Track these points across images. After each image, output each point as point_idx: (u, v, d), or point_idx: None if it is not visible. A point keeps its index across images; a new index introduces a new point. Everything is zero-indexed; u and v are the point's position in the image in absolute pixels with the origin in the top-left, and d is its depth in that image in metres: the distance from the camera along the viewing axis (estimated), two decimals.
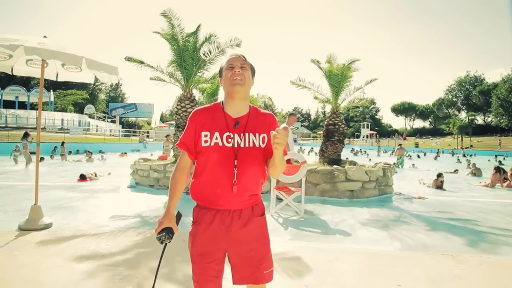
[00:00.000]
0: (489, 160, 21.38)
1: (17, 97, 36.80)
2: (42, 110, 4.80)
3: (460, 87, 70.38)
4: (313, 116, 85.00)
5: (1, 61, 4.33)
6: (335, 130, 8.58)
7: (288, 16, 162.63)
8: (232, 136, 1.50)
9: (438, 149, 30.92)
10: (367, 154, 25.36)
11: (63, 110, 41.10)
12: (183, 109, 8.27)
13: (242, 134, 1.51)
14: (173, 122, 10.55)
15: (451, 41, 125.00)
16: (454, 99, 71.44)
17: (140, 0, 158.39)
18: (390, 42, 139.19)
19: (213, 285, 1.52)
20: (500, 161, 18.55)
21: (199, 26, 8.12)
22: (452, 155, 27.36)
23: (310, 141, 54.99)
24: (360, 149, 29.87)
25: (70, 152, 16.86)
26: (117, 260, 3.13)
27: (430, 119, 78.04)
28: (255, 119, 1.57)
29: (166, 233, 1.51)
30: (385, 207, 6.05)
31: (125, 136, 38.43)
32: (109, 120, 47.42)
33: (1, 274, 2.80)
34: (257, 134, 1.54)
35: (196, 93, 10.31)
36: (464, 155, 26.62)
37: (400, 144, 18.46)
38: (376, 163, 8.20)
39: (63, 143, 15.90)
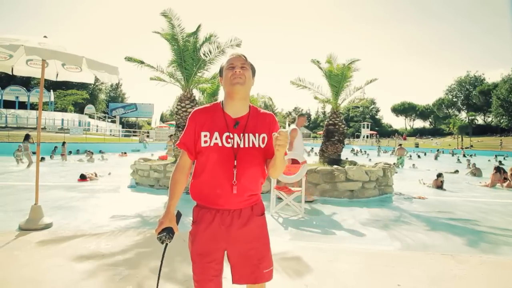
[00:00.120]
0: (489, 160, 21.37)
1: (17, 97, 36.82)
2: (42, 110, 4.80)
3: (460, 87, 70.38)
4: (313, 116, 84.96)
5: (1, 61, 4.34)
6: (335, 130, 8.58)
7: (288, 16, 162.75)
8: (231, 136, 1.50)
9: (438, 149, 30.89)
10: (368, 154, 25.36)
11: (63, 110, 41.12)
12: (183, 109, 8.28)
13: (241, 134, 1.52)
14: (173, 122, 10.56)
15: (451, 41, 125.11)
16: (454, 99, 71.43)
17: (140, 0, 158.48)
18: (390, 42, 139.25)
19: (214, 285, 1.52)
20: (500, 161, 18.55)
21: (199, 26, 8.12)
22: (452, 155, 27.37)
23: (310, 141, 54.98)
24: (360, 149, 29.86)
25: (70, 152, 16.87)
26: (117, 260, 3.13)
27: (430, 119, 78.03)
28: (255, 119, 1.57)
29: (167, 233, 1.51)
30: (385, 207, 6.06)
31: (125, 136, 38.45)
32: (109, 120, 47.44)
33: (1, 273, 2.80)
34: (256, 134, 1.54)
35: (196, 93, 10.32)
36: (464, 155, 26.61)
37: (400, 144, 18.47)
38: (376, 163, 8.20)
39: (64, 143, 15.91)
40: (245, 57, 1.58)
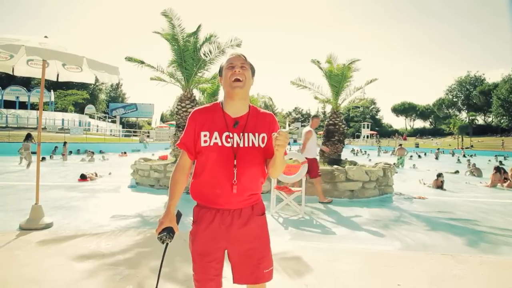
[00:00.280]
0: (489, 161, 21.35)
1: (17, 97, 36.85)
2: (43, 110, 4.81)
3: (461, 87, 70.34)
4: None
5: (2, 61, 4.34)
6: (335, 130, 8.58)
7: (288, 16, 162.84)
8: (231, 136, 1.51)
9: (438, 149, 30.87)
10: (368, 154, 25.35)
11: (64, 110, 41.15)
12: (184, 109, 8.29)
13: (241, 134, 1.52)
14: (174, 122, 10.57)
15: (451, 41, 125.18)
16: (455, 99, 71.39)
17: (140, 0, 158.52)
18: (390, 42, 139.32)
19: (214, 284, 1.53)
20: (500, 161, 18.54)
21: (199, 26, 8.13)
22: (452, 155, 27.34)
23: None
24: (360, 149, 29.84)
25: (70, 152, 16.89)
26: (118, 259, 3.14)
27: (430, 119, 77.99)
28: (255, 119, 1.57)
29: (167, 233, 1.51)
30: (385, 207, 6.06)
31: (126, 136, 38.46)
32: (110, 120, 47.44)
33: (2, 273, 2.81)
34: (256, 134, 1.54)
35: (197, 93, 10.33)
36: (464, 155, 26.59)
37: (400, 144, 18.47)
38: (376, 163, 8.20)
39: (65, 143, 15.94)
40: (244, 57, 1.59)
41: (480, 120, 64.36)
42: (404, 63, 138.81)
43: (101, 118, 47.47)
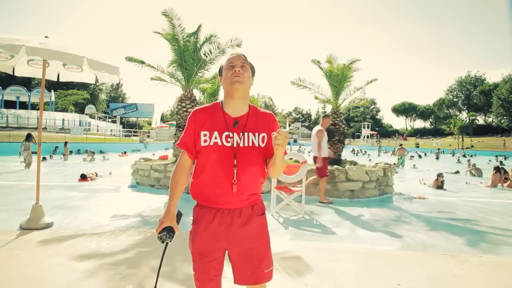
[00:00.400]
0: (490, 161, 21.34)
1: (18, 97, 36.87)
2: (43, 110, 4.81)
3: (461, 87, 70.34)
4: (313, 116, 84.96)
5: (2, 61, 4.34)
6: (336, 130, 8.59)
7: (288, 16, 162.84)
8: (231, 135, 1.50)
9: (439, 149, 30.86)
10: (369, 154, 25.34)
11: (64, 110, 41.17)
12: (184, 109, 8.29)
13: (241, 134, 1.52)
14: (174, 122, 10.56)
15: (451, 41, 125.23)
16: (455, 99, 71.39)
17: (140, 0, 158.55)
18: (390, 42, 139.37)
19: (214, 284, 1.53)
20: (501, 161, 18.54)
21: (199, 26, 8.14)
22: (453, 155, 27.32)
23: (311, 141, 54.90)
24: (360, 149, 29.82)
25: (71, 152, 16.90)
26: (118, 259, 3.14)
27: (430, 119, 77.98)
28: (255, 118, 1.57)
29: (167, 233, 1.51)
30: (386, 207, 6.06)
31: (126, 136, 38.48)
32: (110, 120, 47.47)
33: (2, 273, 2.81)
34: (256, 134, 1.54)
35: (197, 93, 10.33)
36: (464, 155, 26.58)
37: (401, 144, 18.48)
38: (376, 163, 8.20)
39: (66, 143, 15.98)
40: (245, 56, 1.59)
41: (480, 120, 64.40)
42: (404, 63, 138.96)
43: (102, 118, 47.50)
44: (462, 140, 47.91)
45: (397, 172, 9.83)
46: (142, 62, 8.35)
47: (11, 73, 4.63)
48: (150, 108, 50.87)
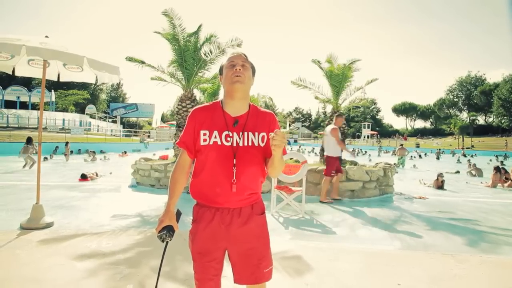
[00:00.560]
0: (490, 160, 21.32)
1: (18, 97, 36.90)
2: (43, 110, 4.82)
3: (461, 87, 70.31)
4: (314, 116, 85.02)
5: (3, 61, 4.34)
6: None
7: (288, 16, 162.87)
8: (231, 135, 1.50)
9: (439, 149, 30.84)
10: (369, 154, 25.33)
11: (64, 110, 41.20)
12: (184, 109, 8.29)
13: (241, 133, 1.51)
14: (174, 122, 10.57)
15: (451, 41, 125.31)
16: (455, 99, 71.37)
17: (140, 0, 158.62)
18: (390, 42, 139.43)
19: (214, 283, 1.53)
20: (502, 161, 18.53)
21: (200, 26, 8.13)
22: (453, 155, 27.31)
23: (311, 141, 54.97)
24: (360, 149, 29.80)
25: (71, 152, 16.91)
26: (118, 258, 3.14)
27: (431, 120, 77.97)
28: (255, 118, 1.57)
29: (167, 232, 1.51)
30: (386, 207, 6.05)
31: (126, 136, 38.50)
32: (110, 120, 47.50)
33: (3, 272, 2.81)
34: (256, 133, 1.54)
35: (197, 93, 10.33)
36: (464, 155, 26.56)
37: (401, 144, 18.48)
38: (376, 163, 8.20)
39: (67, 143, 16.03)
40: (245, 56, 1.59)
41: (481, 120, 64.42)
42: (404, 63, 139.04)
43: (102, 118, 47.52)
44: (463, 140, 47.88)
45: (397, 172, 9.82)
46: (143, 62, 8.35)
47: (11, 73, 4.64)
48: (150, 108, 50.91)
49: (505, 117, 55.29)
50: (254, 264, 1.53)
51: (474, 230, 4.61)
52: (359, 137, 58.08)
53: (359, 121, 66.77)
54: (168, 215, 1.53)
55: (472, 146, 42.59)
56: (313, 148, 28.38)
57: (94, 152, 15.89)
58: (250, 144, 1.52)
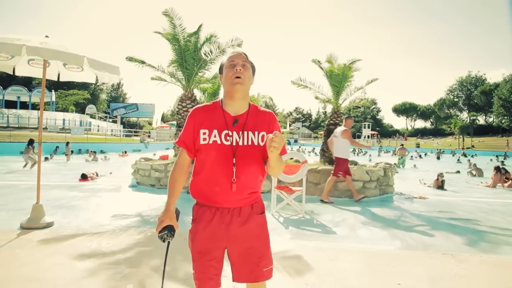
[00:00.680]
0: (491, 160, 21.30)
1: (18, 97, 36.91)
2: (44, 110, 4.82)
3: (462, 87, 70.26)
4: (314, 116, 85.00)
5: (3, 61, 4.35)
6: None
7: (288, 16, 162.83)
8: (230, 134, 1.50)
9: (440, 149, 30.82)
10: (370, 154, 25.31)
11: (65, 110, 41.20)
12: (184, 109, 8.30)
13: (241, 132, 1.51)
14: (174, 122, 10.57)
15: (451, 41, 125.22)
16: (456, 99, 71.31)
17: (140, 0, 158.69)
18: (390, 42, 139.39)
19: (214, 283, 1.53)
20: (502, 161, 18.52)
21: (200, 26, 8.14)
22: (453, 155, 27.30)
23: (311, 141, 54.98)
24: (360, 149, 29.74)
25: (72, 152, 16.91)
26: (118, 258, 3.14)
27: (431, 120, 77.93)
28: (255, 117, 1.57)
29: (168, 231, 1.51)
30: (386, 206, 6.05)
31: (126, 136, 38.49)
32: (111, 120, 47.49)
33: (3, 272, 2.81)
34: (256, 132, 1.53)
35: (197, 93, 10.33)
36: (464, 155, 26.55)
37: (402, 144, 18.49)
38: (377, 163, 8.20)
39: (67, 143, 16.05)
40: (245, 55, 1.58)
41: (481, 120, 64.38)
42: (404, 63, 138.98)
43: (102, 118, 47.51)
44: (463, 140, 47.86)
45: (397, 172, 9.81)
46: (143, 62, 8.36)
47: (12, 73, 4.64)
48: (150, 108, 50.93)
49: (505, 117, 55.25)
50: (253, 262, 1.53)
51: (474, 230, 4.60)
52: (359, 137, 58.00)
53: (360, 121, 66.69)
54: (168, 215, 1.53)
55: (473, 146, 42.56)
56: (313, 148, 28.37)
57: (95, 152, 15.90)
58: (250, 143, 1.52)
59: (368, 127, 58.17)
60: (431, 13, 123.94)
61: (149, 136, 37.26)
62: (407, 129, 78.87)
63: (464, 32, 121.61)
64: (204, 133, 1.51)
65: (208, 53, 8.22)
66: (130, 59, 8.27)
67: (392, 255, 3.50)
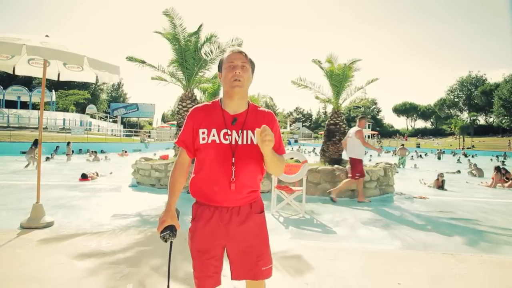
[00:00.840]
0: (491, 160, 21.28)
1: (19, 97, 36.91)
2: (44, 110, 4.82)
3: (462, 87, 70.21)
4: (314, 116, 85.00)
5: (3, 61, 4.35)
6: (336, 130, 8.58)
7: (289, 16, 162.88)
8: (229, 133, 1.50)
9: (440, 149, 30.80)
10: (370, 154, 25.27)
11: (65, 110, 41.20)
12: (185, 109, 8.30)
13: (240, 131, 1.51)
14: (175, 122, 10.58)
15: (451, 41, 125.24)
16: (456, 100, 71.26)
17: (141, 0, 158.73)
18: (390, 42, 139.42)
19: (213, 281, 1.53)
20: (503, 161, 18.50)
21: (200, 26, 8.14)
22: (453, 155, 27.28)
23: (312, 141, 54.96)
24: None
25: (72, 152, 16.93)
26: (118, 258, 3.14)
27: (431, 120, 77.90)
28: (254, 116, 1.56)
29: (170, 231, 1.51)
30: (386, 206, 6.05)
31: (127, 136, 38.49)
32: (111, 120, 47.51)
33: (3, 271, 2.81)
34: (255, 131, 1.54)
35: (198, 93, 10.34)
36: (465, 155, 26.54)
37: (402, 144, 18.48)
38: (377, 163, 8.19)
39: (68, 143, 16.07)
40: (245, 54, 1.57)
41: (481, 120, 64.36)
42: (404, 63, 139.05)
43: (102, 118, 47.53)
44: (463, 140, 47.84)
45: (397, 172, 9.81)
46: (143, 62, 8.36)
47: (12, 73, 4.64)
48: (151, 108, 50.94)
49: (505, 117, 55.22)
50: (252, 261, 1.53)
51: (475, 229, 4.60)
52: None
53: None
54: (169, 215, 1.53)
55: (473, 146, 42.54)
56: (314, 148, 28.35)
57: (95, 152, 15.91)
58: (249, 142, 1.51)
59: (369, 127, 58.04)
60: (431, 13, 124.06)
61: (149, 136, 37.27)
62: (407, 129, 78.86)
63: (464, 32, 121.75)
64: (203, 133, 1.51)
65: (208, 53, 8.23)
66: (130, 58, 8.27)
67: (392, 255, 3.50)
